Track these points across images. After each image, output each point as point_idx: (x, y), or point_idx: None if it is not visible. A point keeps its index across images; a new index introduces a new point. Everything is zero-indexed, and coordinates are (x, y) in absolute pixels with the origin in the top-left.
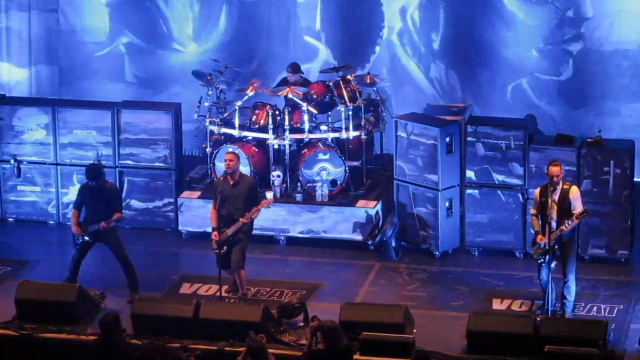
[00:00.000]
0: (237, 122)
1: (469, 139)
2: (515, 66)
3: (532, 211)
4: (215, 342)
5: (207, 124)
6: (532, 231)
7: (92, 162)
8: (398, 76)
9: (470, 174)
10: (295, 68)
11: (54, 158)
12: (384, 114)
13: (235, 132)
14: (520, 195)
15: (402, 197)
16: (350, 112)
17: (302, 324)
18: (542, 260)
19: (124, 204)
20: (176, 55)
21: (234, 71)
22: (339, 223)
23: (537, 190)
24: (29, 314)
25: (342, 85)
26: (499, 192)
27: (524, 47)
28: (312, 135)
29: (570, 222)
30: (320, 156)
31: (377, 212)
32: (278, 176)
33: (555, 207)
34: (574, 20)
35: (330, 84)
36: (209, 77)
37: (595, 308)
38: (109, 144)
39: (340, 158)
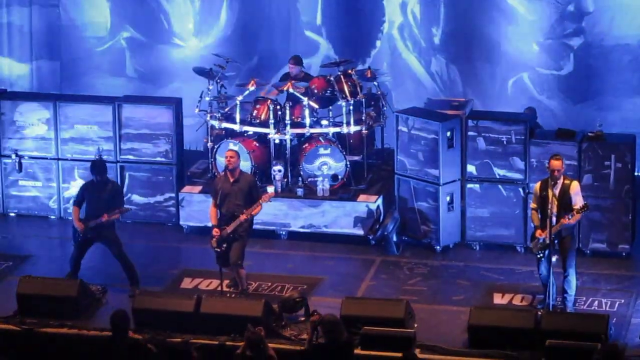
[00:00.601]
0: (238, 116)
1: (469, 133)
2: (516, 60)
3: (532, 205)
4: (217, 336)
5: (208, 118)
6: (532, 225)
7: (95, 157)
8: (399, 70)
9: (471, 168)
10: (297, 60)
11: (55, 153)
12: (384, 108)
13: (236, 127)
14: (521, 189)
15: (403, 192)
16: (351, 107)
17: (303, 318)
18: (541, 255)
19: (125, 198)
20: (177, 50)
21: (235, 66)
22: (340, 218)
23: (538, 185)
24: (31, 308)
25: (343, 80)
26: (500, 186)
27: (525, 41)
28: (313, 130)
29: (571, 216)
30: (322, 151)
31: (378, 207)
32: (279, 171)
33: (556, 202)
34: (574, 15)
35: (331, 78)
36: (211, 71)
37: (596, 302)
38: (110, 139)
39: (341, 153)
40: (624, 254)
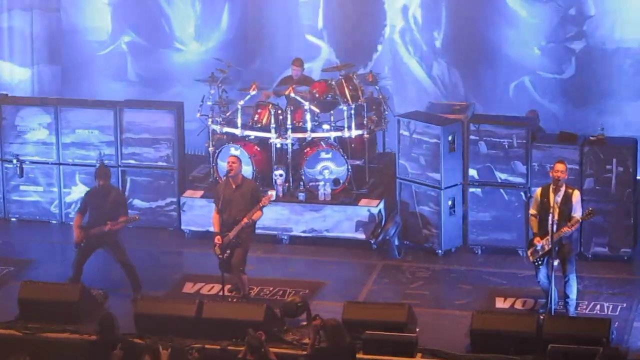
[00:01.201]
0: (239, 121)
1: (471, 137)
2: (517, 64)
3: (532, 211)
4: (218, 341)
5: (209, 123)
6: (531, 232)
7: (97, 162)
8: (400, 74)
9: (472, 172)
10: (300, 63)
11: (57, 158)
12: (386, 112)
13: (237, 131)
14: (522, 193)
15: (404, 196)
16: (353, 111)
17: (304, 323)
18: (539, 262)
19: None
20: (178, 54)
21: (237, 70)
22: (342, 222)
23: (539, 190)
24: (32, 313)
25: (344, 84)
26: (501, 190)
27: (527, 45)
28: (314, 134)
29: (573, 224)
30: (323, 155)
31: (379, 211)
32: (280, 175)
33: (557, 209)
34: (576, 18)
35: (333, 82)
36: (212, 76)
37: (598, 306)
38: (112, 144)
39: (342, 157)
40: (625, 258)
